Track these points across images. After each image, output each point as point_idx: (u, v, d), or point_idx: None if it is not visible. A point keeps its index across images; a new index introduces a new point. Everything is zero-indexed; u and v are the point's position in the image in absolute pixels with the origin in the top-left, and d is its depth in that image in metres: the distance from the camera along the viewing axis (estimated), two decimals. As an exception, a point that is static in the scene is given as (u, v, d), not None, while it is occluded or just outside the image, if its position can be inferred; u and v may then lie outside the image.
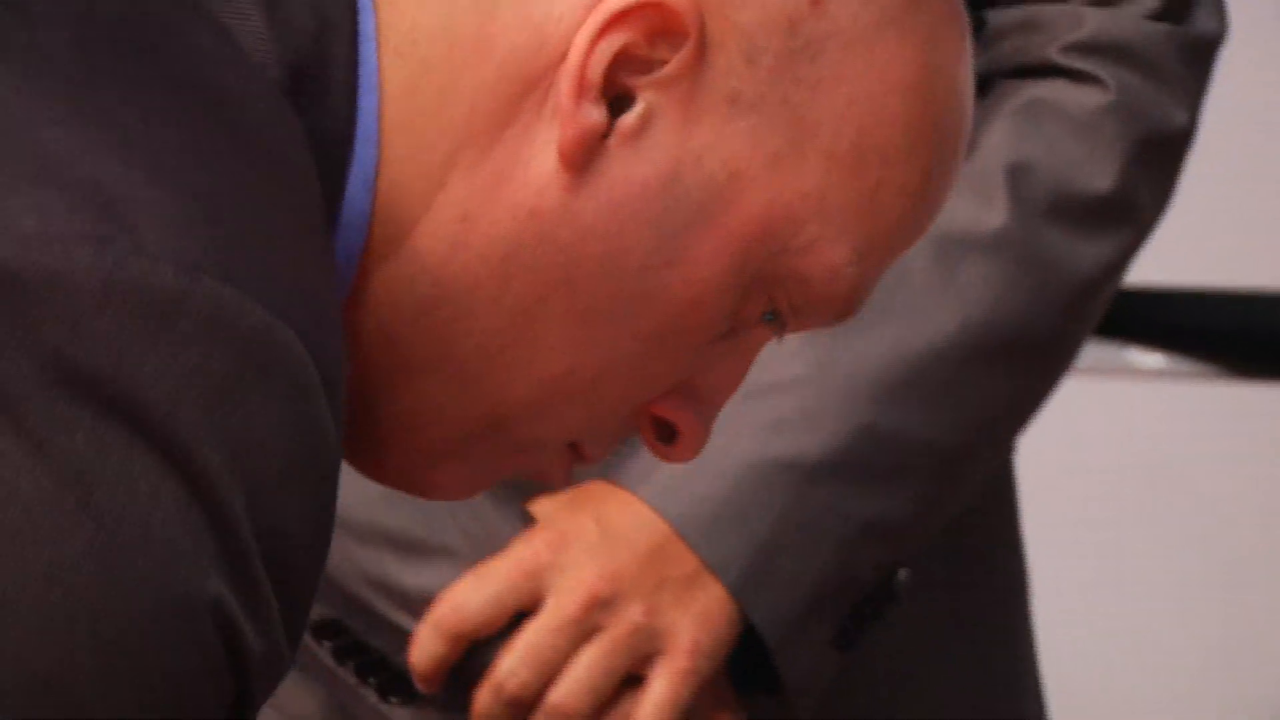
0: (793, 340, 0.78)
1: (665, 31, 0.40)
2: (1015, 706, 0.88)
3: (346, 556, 0.83)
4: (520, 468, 0.47)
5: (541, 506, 0.77)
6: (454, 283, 0.41)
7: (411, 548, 0.82)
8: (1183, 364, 2.11)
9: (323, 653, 0.87)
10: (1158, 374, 2.08)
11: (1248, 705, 2.05)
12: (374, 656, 0.83)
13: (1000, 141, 0.81)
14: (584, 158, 0.40)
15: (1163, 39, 0.84)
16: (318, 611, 0.83)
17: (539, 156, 0.41)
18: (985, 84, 0.83)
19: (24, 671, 0.31)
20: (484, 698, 0.74)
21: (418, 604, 0.80)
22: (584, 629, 0.73)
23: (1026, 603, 0.94)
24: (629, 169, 0.41)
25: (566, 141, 0.40)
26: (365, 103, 0.41)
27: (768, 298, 0.44)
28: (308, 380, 0.33)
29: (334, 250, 0.40)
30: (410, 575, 0.81)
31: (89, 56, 0.37)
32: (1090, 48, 0.83)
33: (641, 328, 0.42)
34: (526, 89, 0.41)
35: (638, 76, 0.41)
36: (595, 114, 0.40)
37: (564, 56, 0.40)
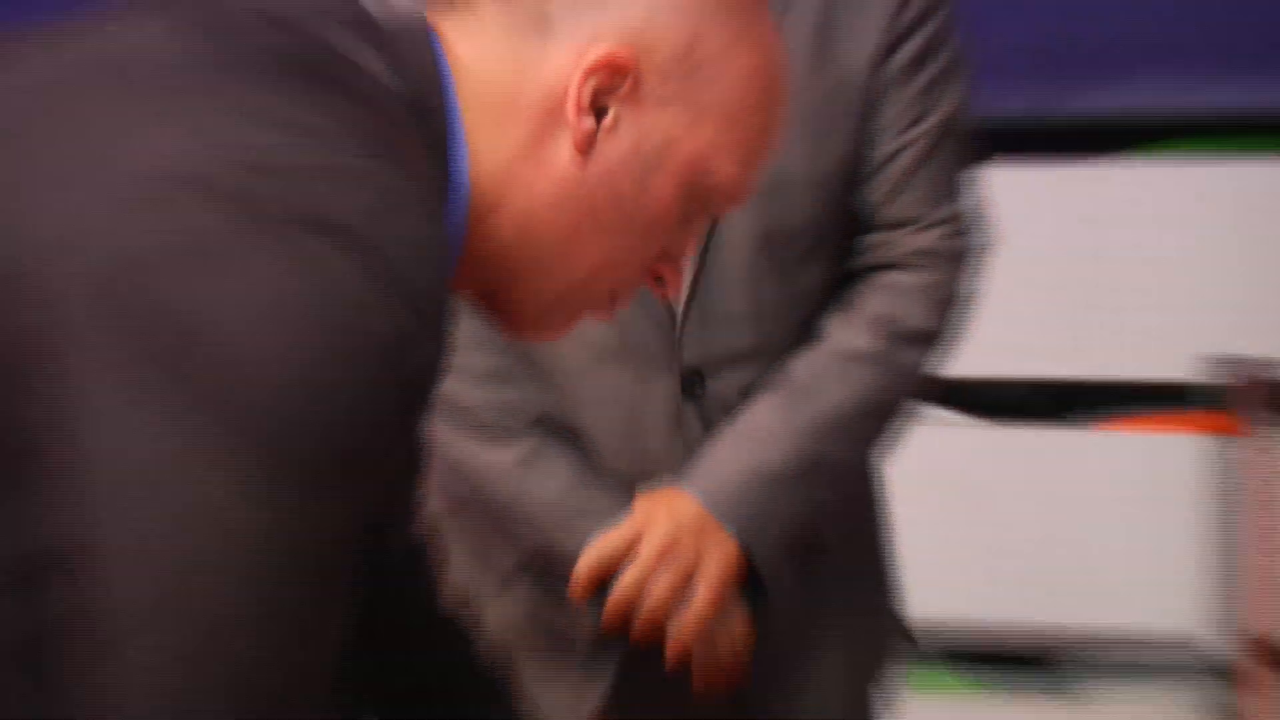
0: (768, 415, 1.14)
1: (618, 72, 0.59)
2: (887, 610, 1.34)
3: None
4: (589, 310, 0.68)
5: (639, 500, 1.17)
6: (530, 227, 0.61)
7: None
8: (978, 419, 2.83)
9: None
10: (964, 424, 2.83)
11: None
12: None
13: (870, 303, 1.20)
14: (586, 147, 0.60)
15: (955, 248, 1.24)
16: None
17: (562, 150, 0.60)
18: (857, 275, 1.23)
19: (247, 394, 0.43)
20: (612, 604, 1.13)
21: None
22: (662, 563, 1.13)
23: (891, 551, 1.35)
24: (611, 149, 0.60)
25: (576, 140, 0.59)
26: (454, 127, 0.58)
27: (702, 201, 0.65)
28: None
29: (446, 211, 0.57)
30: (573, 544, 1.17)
31: (263, 69, 0.52)
32: (918, 253, 1.21)
33: (637, 230, 0.63)
34: (550, 116, 0.59)
35: (608, 96, 0.59)
36: (588, 122, 0.59)
37: (566, 93, 0.58)
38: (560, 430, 1.18)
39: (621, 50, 0.60)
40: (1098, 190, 2.86)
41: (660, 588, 1.14)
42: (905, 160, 1.17)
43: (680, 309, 1.15)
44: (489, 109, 0.60)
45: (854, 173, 1.17)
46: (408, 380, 0.49)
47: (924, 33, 1.15)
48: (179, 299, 0.44)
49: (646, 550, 1.14)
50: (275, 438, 0.44)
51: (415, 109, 0.56)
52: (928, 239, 1.19)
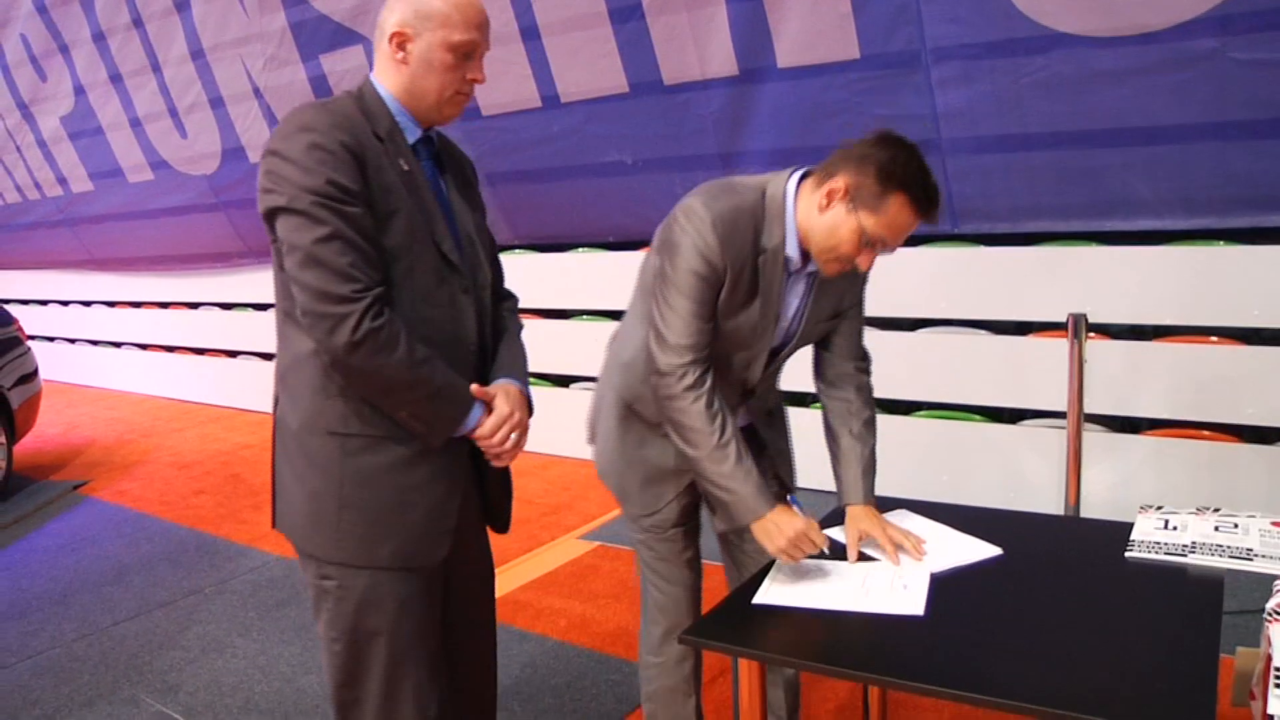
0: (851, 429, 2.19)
1: (402, 33, 1.77)
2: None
3: None
4: (456, 106, 1.84)
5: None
6: (412, 90, 1.81)
7: None
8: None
9: None
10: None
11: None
12: None
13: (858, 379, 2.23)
14: (405, 61, 1.79)
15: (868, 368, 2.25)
16: None
17: (402, 68, 1.79)
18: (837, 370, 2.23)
19: None
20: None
21: None
22: None
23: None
24: (414, 56, 1.78)
25: (399, 61, 1.79)
26: (385, 93, 1.82)
27: (461, 51, 1.78)
28: None
29: (389, 107, 1.85)
30: None
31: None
32: (859, 371, 2.22)
33: (439, 74, 1.78)
34: (393, 60, 1.80)
35: (404, 42, 1.78)
36: (400, 54, 1.79)
37: (392, 42, 1.78)
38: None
39: (399, 28, 1.78)
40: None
41: None
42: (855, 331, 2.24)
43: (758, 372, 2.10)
44: (383, 73, 1.83)
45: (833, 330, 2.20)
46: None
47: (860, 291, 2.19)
48: None
49: None
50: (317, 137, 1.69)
51: (363, 93, 1.83)
52: (863, 363, 2.27)
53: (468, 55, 1.80)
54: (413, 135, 1.84)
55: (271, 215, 1.70)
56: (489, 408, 1.86)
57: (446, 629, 1.98)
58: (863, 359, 2.21)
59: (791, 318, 2.06)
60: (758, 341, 2.02)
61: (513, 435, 1.87)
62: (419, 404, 1.76)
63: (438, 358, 1.77)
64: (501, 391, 1.88)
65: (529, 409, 1.94)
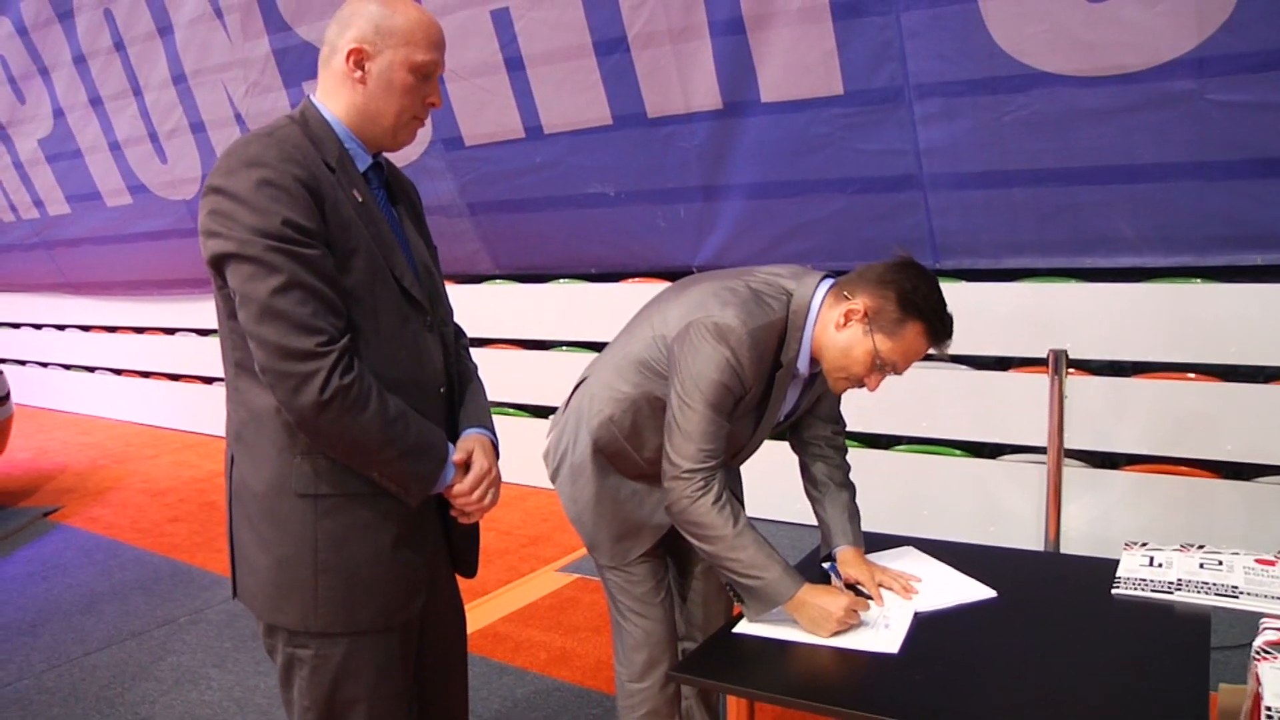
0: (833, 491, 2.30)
1: (359, 51, 1.64)
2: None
3: None
4: (409, 132, 1.74)
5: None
6: (367, 110, 1.68)
7: None
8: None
9: None
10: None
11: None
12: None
13: (836, 443, 2.35)
14: (363, 81, 1.66)
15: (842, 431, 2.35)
16: None
17: (358, 86, 1.66)
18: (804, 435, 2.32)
19: None
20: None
21: None
22: None
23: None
24: (372, 76, 1.65)
25: (355, 81, 1.66)
26: (327, 114, 1.70)
27: (421, 73, 1.67)
28: None
29: (338, 133, 1.74)
30: None
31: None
32: (835, 434, 2.31)
33: (399, 97, 1.67)
34: (347, 79, 1.67)
35: (361, 60, 1.65)
36: (358, 74, 1.66)
37: (347, 68, 1.66)
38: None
39: (358, 44, 1.65)
40: None
41: None
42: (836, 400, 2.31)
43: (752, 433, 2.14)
44: (332, 94, 1.70)
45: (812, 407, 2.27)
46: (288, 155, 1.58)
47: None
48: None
49: None
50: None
51: (306, 118, 1.69)
52: (839, 427, 2.35)
53: (427, 76, 1.70)
54: (363, 163, 1.72)
55: (219, 261, 1.55)
56: (466, 463, 1.77)
57: (419, 680, 1.91)
58: (838, 422, 2.31)
59: (785, 411, 2.13)
60: (751, 439, 2.13)
61: (490, 493, 1.80)
62: (392, 464, 1.64)
63: (410, 411, 1.67)
64: (478, 445, 1.80)
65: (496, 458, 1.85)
